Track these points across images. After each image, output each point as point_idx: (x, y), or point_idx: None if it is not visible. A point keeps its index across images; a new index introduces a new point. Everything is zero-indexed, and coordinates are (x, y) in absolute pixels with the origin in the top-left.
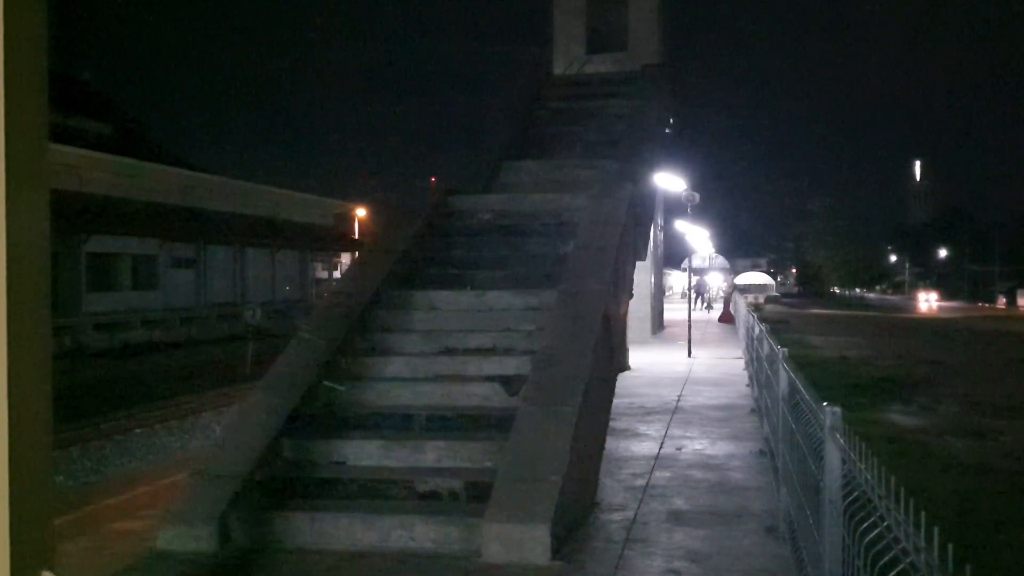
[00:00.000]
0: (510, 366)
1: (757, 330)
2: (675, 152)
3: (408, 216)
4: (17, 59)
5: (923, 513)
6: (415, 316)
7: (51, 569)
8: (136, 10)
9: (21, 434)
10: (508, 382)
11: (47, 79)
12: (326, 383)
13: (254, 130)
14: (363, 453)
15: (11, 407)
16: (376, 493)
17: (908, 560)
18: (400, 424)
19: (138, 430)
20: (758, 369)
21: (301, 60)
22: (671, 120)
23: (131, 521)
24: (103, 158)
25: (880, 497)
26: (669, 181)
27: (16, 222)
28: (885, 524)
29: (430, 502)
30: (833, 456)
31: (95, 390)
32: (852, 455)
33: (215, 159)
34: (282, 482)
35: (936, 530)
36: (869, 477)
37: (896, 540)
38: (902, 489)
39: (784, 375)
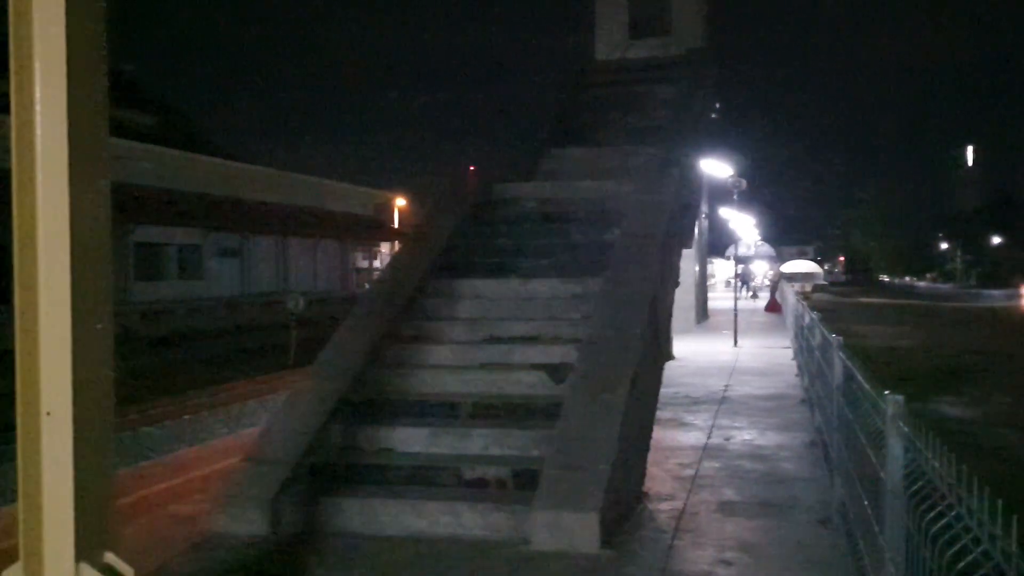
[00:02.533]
0: (555, 354)
1: (807, 319)
2: (721, 137)
3: (451, 205)
4: (78, 57)
5: (1000, 501)
6: (460, 304)
7: (113, 551)
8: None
9: (85, 421)
10: (554, 370)
11: (106, 76)
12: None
13: (295, 120)
14: (410, 440)
15: (75, 394)
16: (424, 480)
17: (980, 549)
18: (446, 412)
19: (187, 416)
20: (808, 358)
21: (341, 50)
22: (716, 105)
23: (184, 505)
24: (148, 149)
25: (950, 486)
26: (715, 167)
27: (79, 213)
28: (954, 513)
29: (477, 489)
30: (896, 445)
31: (144, 377)
32: (918, 443)
33: (257, 149)
34: (332, 468)
35: (1015, 518)
36: (937, 465)
37: (967, 529)
38: (975, 477)
39: (839, 364)
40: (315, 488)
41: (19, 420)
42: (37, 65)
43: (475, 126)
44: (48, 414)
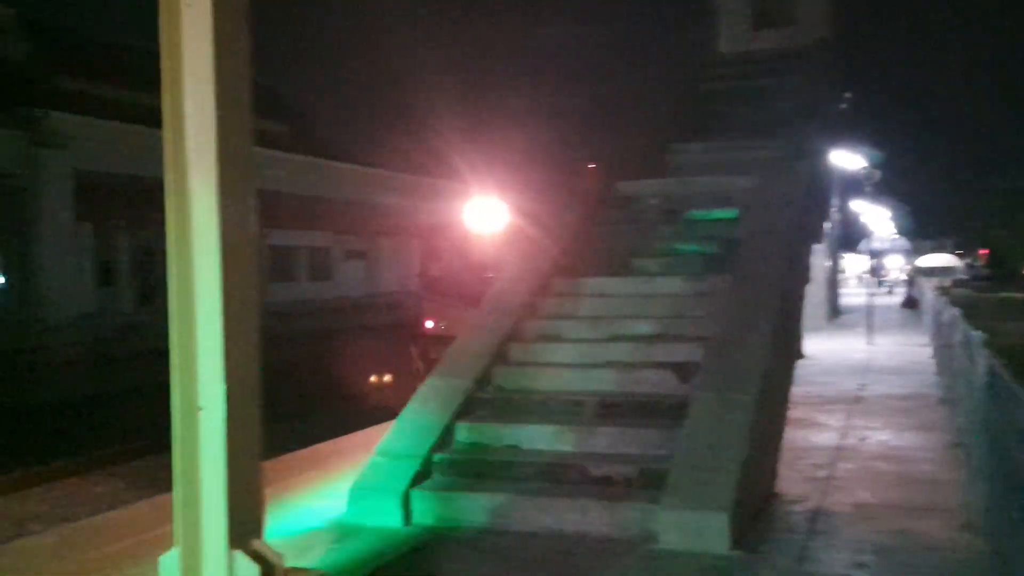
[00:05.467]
0: (681, 353)
1: (946, 315)
2: (852, 128)
3: (573, 204)
4: (226, 72)
5: None
6: (583, 303)
7: (259, 538)
8: (307, 12)
9: (235, 416)
10: (680, 369)
11: (252, 89)
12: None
13: (415, 121)
14: (536, 437)
15: (229, 390)
16: (550, 477)
17: None
18: (571, 410)
19: (320, 411)
20: (948, 357)
21: (461, 53)
22: (847, 94)
23: (319, 497)
24: (282, 156)
25: None
26: (846, 159)
27: (228, 219)
28: None
29: (604, 487)
30: None
31: (279, 374)
32: None
33: (377, 150)
34: (460, 464)
35: None
36: None
37: None
38: None
39: (982, 362)
40: (444, 483)
41: (174, 415)
42: (187, 80)
43: (596, 122)
44: (201, 409)
